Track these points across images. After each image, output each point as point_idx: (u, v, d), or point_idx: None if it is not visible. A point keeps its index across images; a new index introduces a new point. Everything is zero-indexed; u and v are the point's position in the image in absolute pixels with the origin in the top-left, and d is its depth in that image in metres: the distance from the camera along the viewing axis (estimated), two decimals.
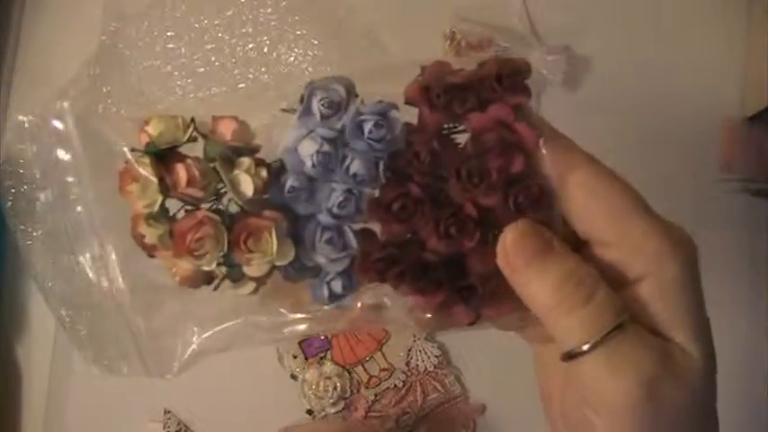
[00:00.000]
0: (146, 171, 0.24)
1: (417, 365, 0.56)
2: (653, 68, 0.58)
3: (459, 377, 0.56)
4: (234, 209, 0.24)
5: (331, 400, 0.55)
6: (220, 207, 0.24)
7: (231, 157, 0.24)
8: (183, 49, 0.62)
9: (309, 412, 0.56)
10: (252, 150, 0.25)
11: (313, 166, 0.24)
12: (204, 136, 0.24)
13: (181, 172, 0.24)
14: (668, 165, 0.56)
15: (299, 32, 0.61)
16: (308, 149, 0.24)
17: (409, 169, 0.24)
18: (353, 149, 0.24)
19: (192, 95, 0.60)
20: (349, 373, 0.56)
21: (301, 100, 0.25)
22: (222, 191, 0.24)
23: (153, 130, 0.24)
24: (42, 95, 0.60)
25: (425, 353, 0.56)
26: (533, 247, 0.24)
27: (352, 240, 0.25)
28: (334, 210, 0.24)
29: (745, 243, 0.56)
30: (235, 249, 0.24)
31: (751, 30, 0.57)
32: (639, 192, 0.25)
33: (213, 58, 0.62)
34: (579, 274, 0.24)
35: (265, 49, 0.61)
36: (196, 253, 0.24)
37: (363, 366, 0.56)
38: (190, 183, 0.24)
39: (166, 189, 0.24)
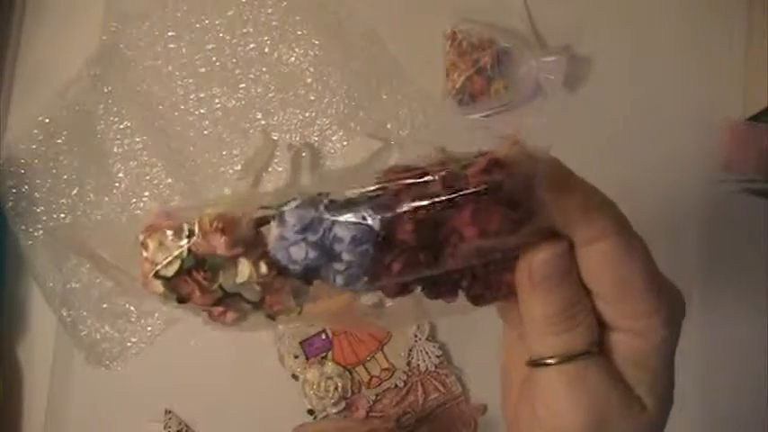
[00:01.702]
0: (160, 295, 0.26)
1: (418, 365, 0.56)
2: (653, 68, 0.58)
3: (461, 377, 0.56)
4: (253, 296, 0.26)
5: (332, 400, 0.55)
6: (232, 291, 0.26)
7: (230, 263, 0.26)
8: (183, 50, 0.62)
9: (310, 412, 0.56)
10: (248, 248, 0.26)
11: (307, 267, 0.25)
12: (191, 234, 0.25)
13: (192, 286, 0.25)
14: (668, 165, 0.56)
15: (299, 32, 0.61)
16: (298, 255, 0.25)
17: (399, 247, 0.25)
18: (340, 251, 0.25)
19: (192, 96, 0.60)
20: (350, 373, 0.56)
21: (277, 215, 0.25)
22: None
23: (152, 255, 0.25)
24: (43, 95, 0.61)
25: (426, 353, 0.56)
26: (555, 270, 0.25)
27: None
28: (341, 284, 0.25)
29: (746, 243, 0.56)
30: (262, 307, 0.26)
31: (751, 30, 0.57)
32: (650, 256, 0.26)
33: (214, 59, 0.62)
34: (576, 308, 0.25)
35: (266, 50, 0.62)
36: (231, 326, 0.27)
37: (364, 366, 0.56)
38: (202, 292, 0.25)
39: (183, 301, 0.26)
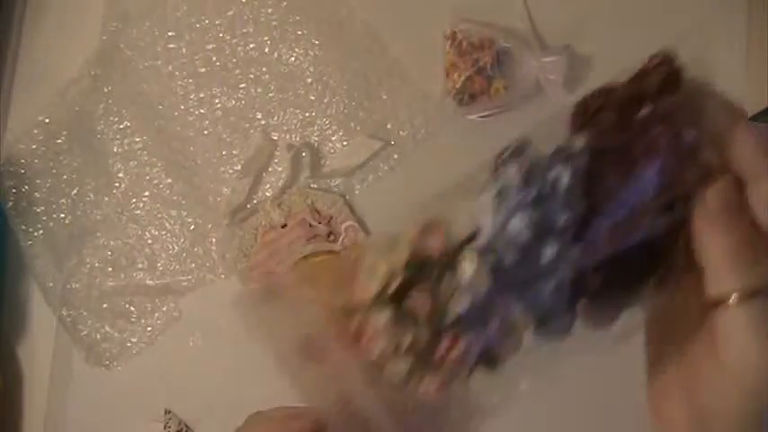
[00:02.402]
0: (384, 326, 0.25)
1: None
2: None
3: None
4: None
5: None
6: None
7: (450, 267, 0.25)
8: (183, 49, 0.62)
9: None
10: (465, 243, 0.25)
11: (530, 236, 0.24)
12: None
13: (418, 300, 0.24)
14: None
15: (300, 32, 0.61)
16: (519, 226, 0.24)
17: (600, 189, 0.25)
18: (554, 205, 0.25)
19: (192, 96, 0.60)
20: None
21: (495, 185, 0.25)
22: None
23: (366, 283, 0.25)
24: (43, 95, 0.61)
25: None
26: (729, 199, 0.25)
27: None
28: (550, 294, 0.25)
29: None
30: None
31: (751, 30, 0.57)
32: None
33: (214, 58, 0.62)
34: (755, 245, 0.25)
35: (266, 49, 0.62)
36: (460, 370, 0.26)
37: None
38: (429, 306, 0.25)
39: (413, 319, 0.25)
